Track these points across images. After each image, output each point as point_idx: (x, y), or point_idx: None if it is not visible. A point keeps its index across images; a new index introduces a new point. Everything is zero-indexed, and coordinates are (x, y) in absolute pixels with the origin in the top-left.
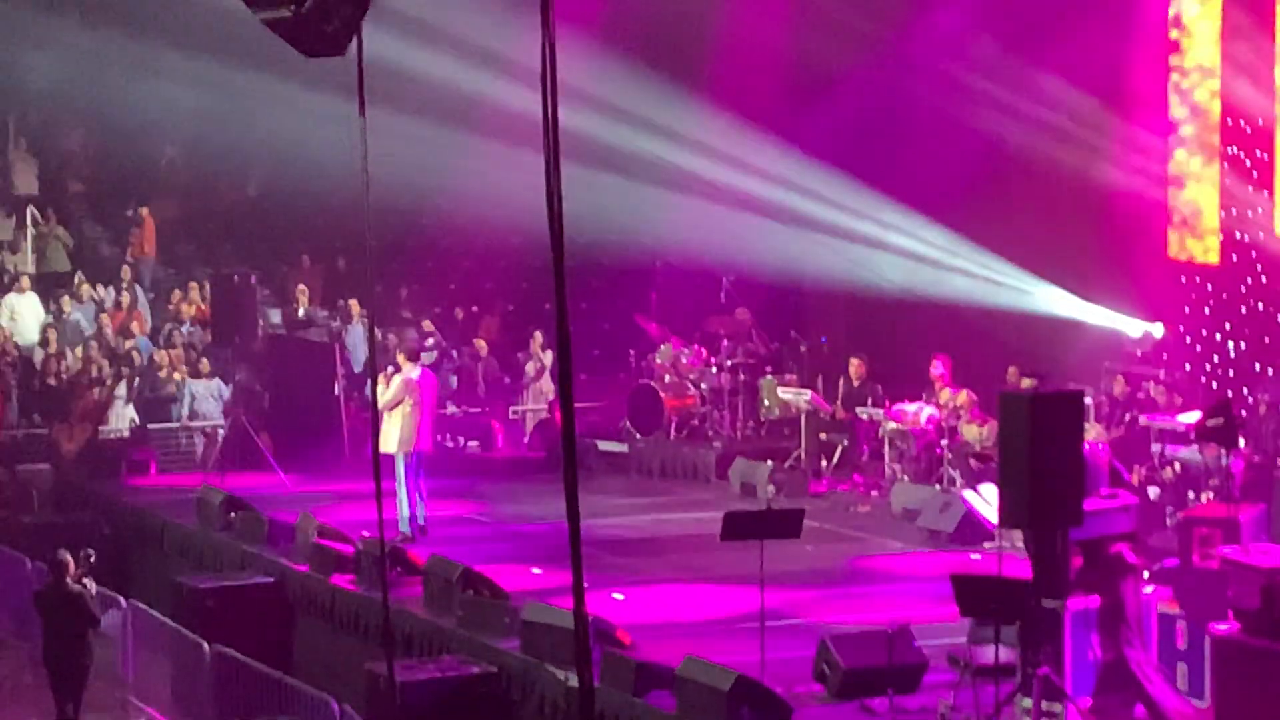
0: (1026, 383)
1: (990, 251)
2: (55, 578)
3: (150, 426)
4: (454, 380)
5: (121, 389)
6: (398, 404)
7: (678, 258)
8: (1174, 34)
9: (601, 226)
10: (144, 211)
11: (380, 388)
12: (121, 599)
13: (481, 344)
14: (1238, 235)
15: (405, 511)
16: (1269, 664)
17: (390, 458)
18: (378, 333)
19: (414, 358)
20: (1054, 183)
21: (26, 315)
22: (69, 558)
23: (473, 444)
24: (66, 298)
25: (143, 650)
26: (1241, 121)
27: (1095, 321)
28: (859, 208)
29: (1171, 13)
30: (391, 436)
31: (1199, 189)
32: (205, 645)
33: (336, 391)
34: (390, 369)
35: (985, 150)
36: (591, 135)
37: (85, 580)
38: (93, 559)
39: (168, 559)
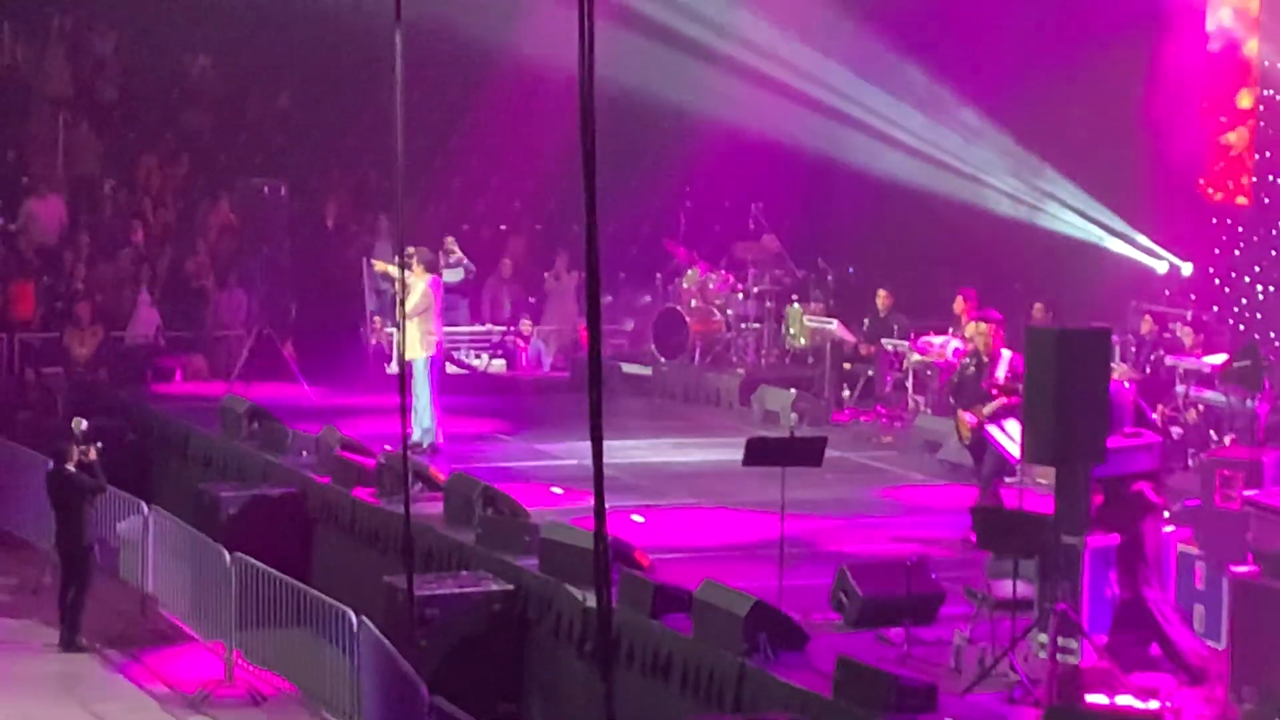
0: (1038, 308)
1: (1046, 163)
2: (57, 464)
3: (176, 334)
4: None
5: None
6: (425, 310)
7: (705, 184)
8: None
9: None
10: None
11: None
12: (144, 504)
13: (507, 263)
14: (1270, 178)
15: (428, 422)
16: None
17: (411, 369)
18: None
19: (433, 268)
20: (1102, 109)
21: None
22: (69, 445)
23: (496, 363)
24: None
25: (163, 556)
26: (1279, 65)
27: (1129, 252)
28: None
29: None
30: (415, 342)
31: (1234, 131)
32: (226, 553)
33: (369, 307)
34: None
35: (1044, 61)
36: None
37: (85, 447)
38: (99, 446)
39: (190, 467)
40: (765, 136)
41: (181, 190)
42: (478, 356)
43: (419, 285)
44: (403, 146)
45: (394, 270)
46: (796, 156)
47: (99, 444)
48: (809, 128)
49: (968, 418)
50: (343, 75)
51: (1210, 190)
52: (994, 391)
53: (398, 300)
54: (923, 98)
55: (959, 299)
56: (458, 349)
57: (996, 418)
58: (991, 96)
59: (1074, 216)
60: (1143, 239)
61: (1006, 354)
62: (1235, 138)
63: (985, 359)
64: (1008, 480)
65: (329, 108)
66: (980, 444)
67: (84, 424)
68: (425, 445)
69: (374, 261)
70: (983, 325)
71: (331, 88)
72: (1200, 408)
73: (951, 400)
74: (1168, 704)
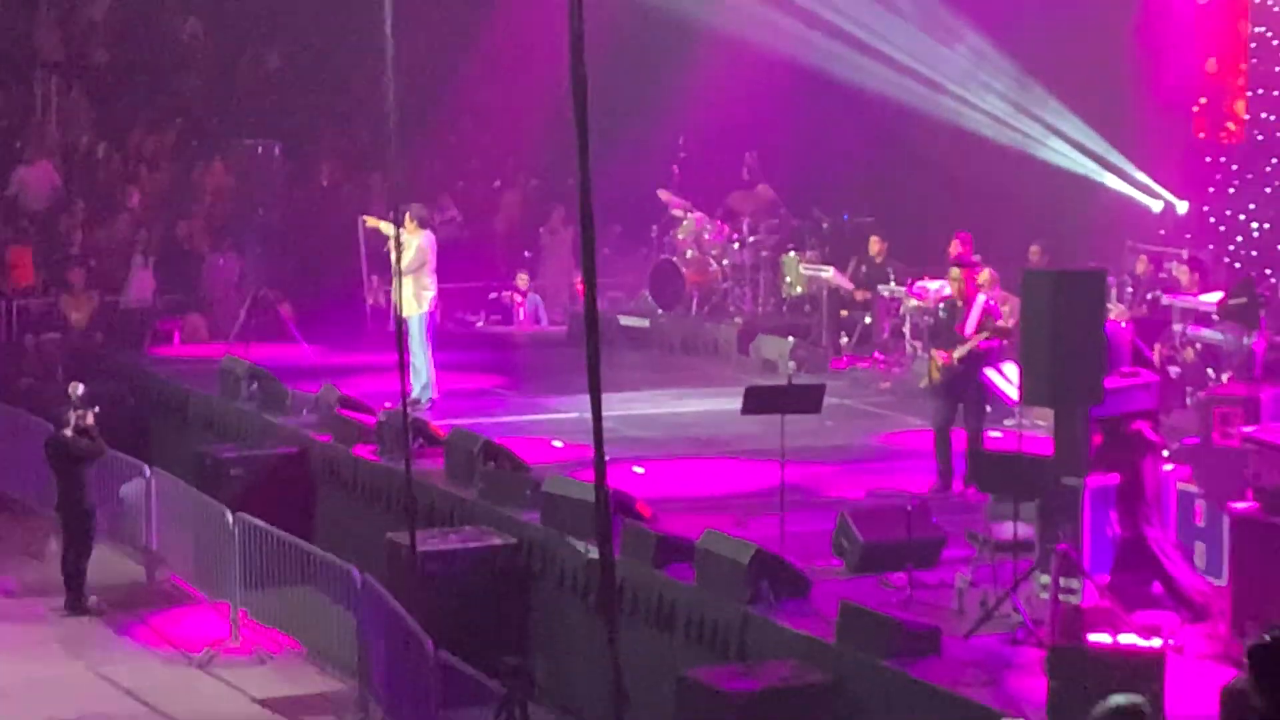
0: (1034, 250)
1: (1050, 94)
2: (55, 430)
3: (172, 297)
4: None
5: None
6: (420, 266)
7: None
8: None
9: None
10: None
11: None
12: (145, 467)
13: (502, 219)
14: (1263, 115)
15: (426, 378)
16: None
17: (407, 326)
18: None
19: (426, 224)
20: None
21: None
22: (66, 410)
23: (494, 318)
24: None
25: (166, 518)
26: (1270, 1)
27: (1124, 189)
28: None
29: None
30: (410, 299)
31: (1227, 68)
32: (228, 513)
33: (365, 265)
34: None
35: None
36: None
37: (82, 411)
38: (96, 410)
39: (191, 429)
40: (758, 82)
41: (175, 154)
42: (474, 315)
43: (413, 242)
44: (394, 104)
45: (385, 227)
46: (790, 102)
47: (96, 408)
48: (805, 58)
49: (942, 356)
50: (333, 34)
51: (1200, 135)
52: (968, 336)
53: (393, 258)
54: (924, 20)
55: (954, 243)
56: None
57: (972, 360)
58: (995, 21)
59: (1072, 150)
60: (1139, 175)
61: (980, 299)
62: (1227, 75)
63: (960, 304)
64: (1006, 423)
65: (320, 67)
66: (947, 385)
67: (80, 389)
68: (424, 401)
69: (365, 218)
70: (956, 271)
71: (322, 47)
72: (1197, 346)
73: (929, 345)
74: (1170, 641)
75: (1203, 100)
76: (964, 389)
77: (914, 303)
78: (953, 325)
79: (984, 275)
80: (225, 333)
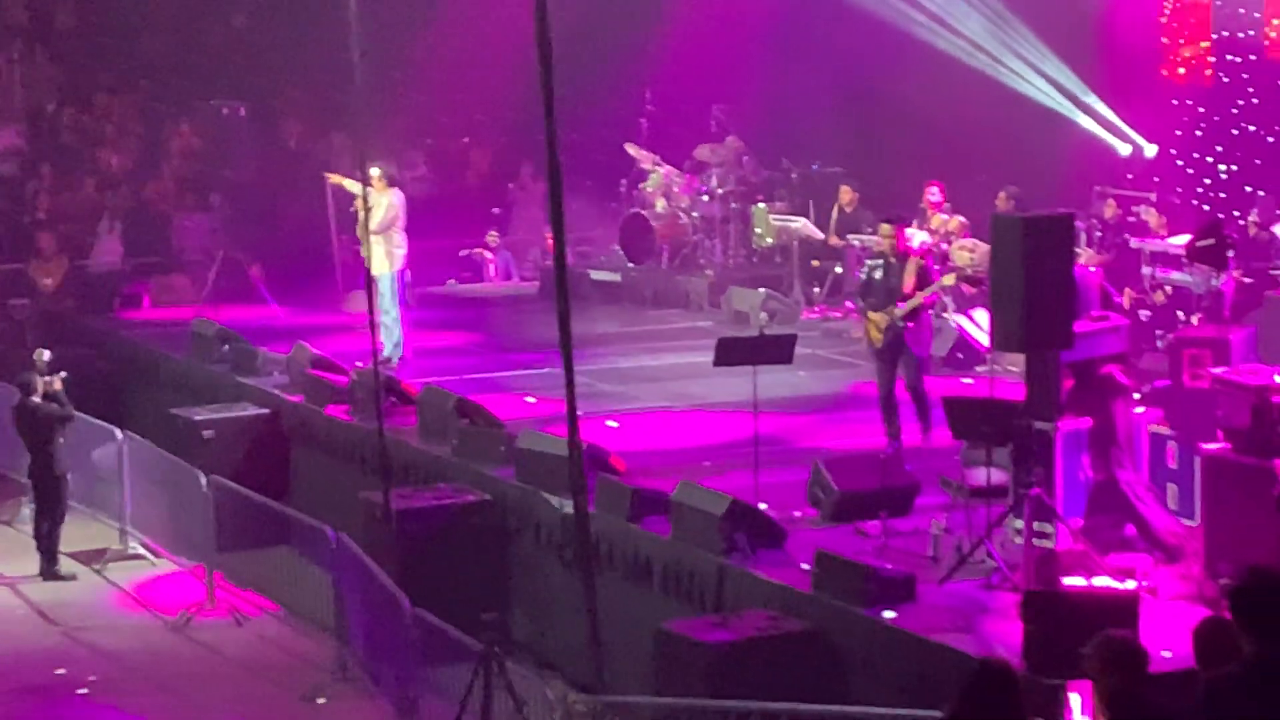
0: (1002, 197)
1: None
2: (23, 396)
3: (140, 260)
4: None
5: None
6: (390, 225)
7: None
8: None
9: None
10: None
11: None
12: (118, 431)
13: (472, 176)
14: (1229, 58)
15: (397, 336)
16: (1258, 482)
17: (377, 285)
18: None
19: (394, 182)
20: None
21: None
22: (33, 376)
23: (464, 275)
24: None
25: (140, 483)
26: None
27: (1094, 128)
28: None
29: None
30: (380, 257)
31: (1192, 10)
32: (202, 476)
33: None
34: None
35: None
36: None
37: (50, 378)
38: (64, 375)
39: (163, 392)
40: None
41: (141, 116)
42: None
43: (382, 200)
44: (360, 61)
45: (349, 184)
46: (757, 53)
47: (63, 373)
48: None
49: (898, 309)
50: None
51: (1165, 72)
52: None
53: (360, 217)
54: None
55: (928, 190)
56: None
57: (910, 318)
58: None
59: (1048, 86)
60: (1111, 115)
61: (918, 261)
62: (1194, 18)
63: (892, 260)
64: (978, 369)
65: (286, 27)
66: (893, 344)
67: (46, 354)
68: (395, 360)
69: (329, 175)
70: (887, 228)
71: (287, 6)
72: (1167, 289)
73: (860, 303)
74: (1144, 583)
75: (1164, 40)
76: (903, 348)
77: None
78: (887, 283)
79: (954, 222)
80: (195, 295)
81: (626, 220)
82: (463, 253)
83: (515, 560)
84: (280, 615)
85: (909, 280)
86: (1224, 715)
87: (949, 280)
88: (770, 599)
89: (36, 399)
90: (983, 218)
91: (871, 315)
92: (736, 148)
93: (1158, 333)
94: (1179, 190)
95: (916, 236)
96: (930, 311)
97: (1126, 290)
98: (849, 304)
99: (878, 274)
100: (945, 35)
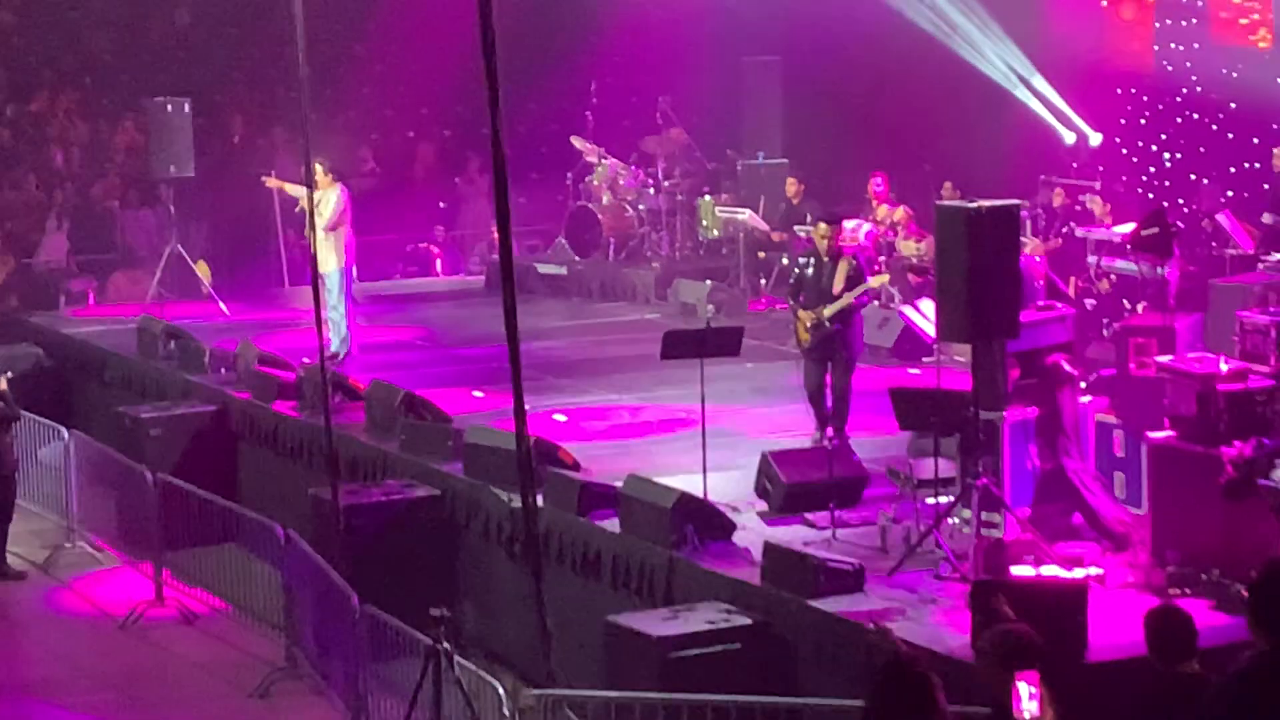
0: (947, 188)
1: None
2: None
3: (87, 257)
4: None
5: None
6: (338, 224)
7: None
8: None
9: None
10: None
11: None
12: (64, 430)
13: (418, 170)
14: (1173, 45)
15: (344, 331)
16: (1204, 469)
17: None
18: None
19: (340, 178)
20: None
21: None
22: None
23: (411, 270)
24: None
25: (86, 481)
26: None
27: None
28: None
29: None
30: (329, 255)
31: None
32: (149, 474)
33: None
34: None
35: None
36: None
37: None
38: (9, 375)
39: (109, 390)
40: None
41: (85, 113)
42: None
43: (329, 196)
44: (304, 57)
45: (290, 189)
46: (702, 45)
47: (8, 373)
48: None
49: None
50: None
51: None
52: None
53: (307, 214)
54: None
55: (875, 180)
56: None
57: (840, 319)
58: None
59: (994, 59)
60: (1055, 97)
61: (849, 262)
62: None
63: (826, 259)
64: (924, 360)
65: (229, 23)
66: (818, 345)
67: (9, 374)
68: (341, 355)
69: (267, 179)
70: (824, 227)
71: (231, 2)
72: (1112, 277)
73: (790, 301)
74: (1092, 572)
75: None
76: (833, 349)
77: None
78: (817, 283)
79: (899, 213)
80: (143, 292)
81: (573, 213)
82: (409, 247)
83: (464, 555)
84: (229, 613)
85: (839, 281)
86: (1237, 713)
87: (876, 282)
88: (720, 591)
89: None
90: (927, 207)
91: (800, 314)
92: (682, 140)
93: (1104, 321)
94: (1124, 179)
95: (862, 228)
96: (860, 313)
97: (1072, 279)
98: None
99: (809, 271)
100: (892, 19)
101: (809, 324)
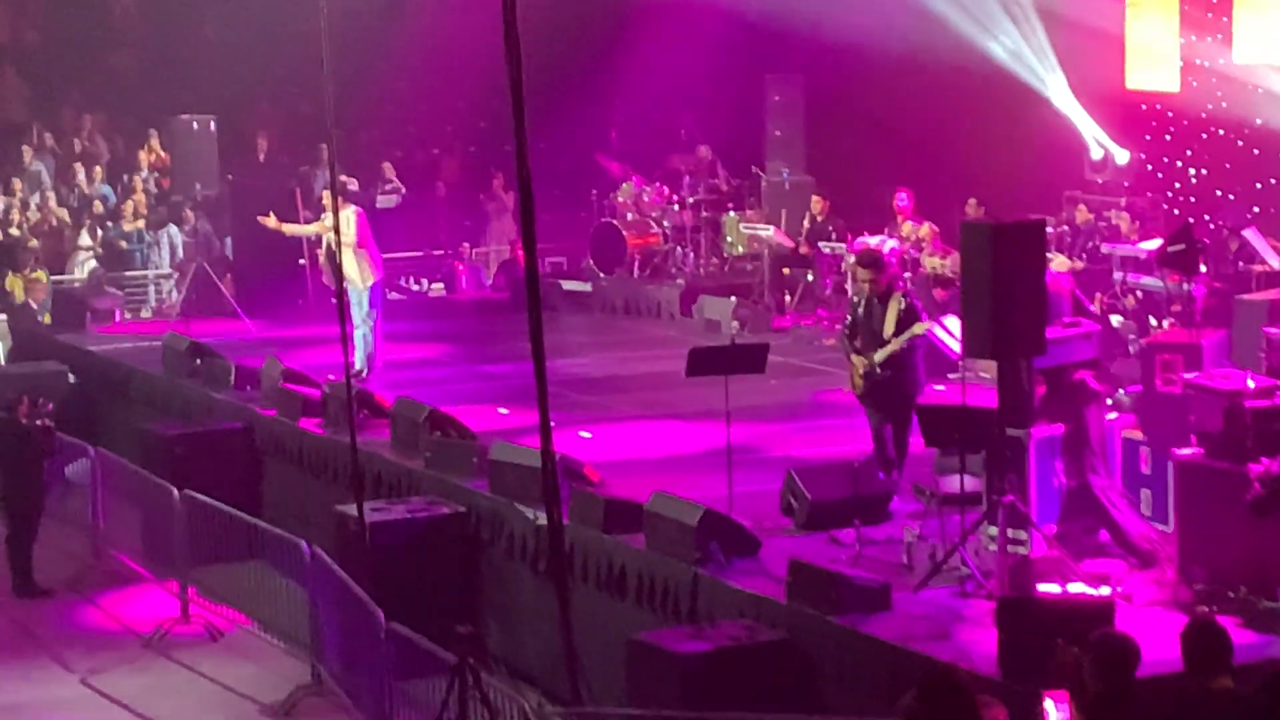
0: (972, 205)
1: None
2: (7, 414)
3: (114, 274)
4: None
5: (84, 238)
6: (357, 240)
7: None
8: None
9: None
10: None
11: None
12: (89, 447)
13: (443, 187)
14: (1197, 62)
15: (370, 348)
16: (1231, 486)
17: (349, 298)
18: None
19: (350, 200)
20: None
21: None
22: (23, 396)
23: (436, 286)
24: (26, 148)
25: (112, 498)
26: None
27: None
28: None
29: None
30: (354, 272)
31: (1158, 16)
32: (174, 491)
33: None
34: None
35: None
36: None
37: (42, 420)
38: (50, 408)
39: (135, 407)
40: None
41: (110, 131)
42: (417, 283)
43: (346, 216)
44: (330, 74)
45: (289, 229)
46: (726, 62)
47: (50, 405)
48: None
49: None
50: (266, 6)
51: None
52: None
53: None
54: None
55: (899, 195)
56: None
57: (893, 365)
58: None
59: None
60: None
61: (899, 301)
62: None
63: (875, 301)
64: (950, 376)
65: (254, 40)
66: (871, 391)
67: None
68: (366, 373)
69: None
70: (861, 271)
71: (256, 19)
72: (1138, 293)
73: (845, 345)
74: (1119, 589)
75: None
76: (887, 396)
77: (855, 258)
78: (870, 323)
79: (924, 229)
80: (167, 310)
81: (597, 230)
82: (434, 262)
83: (489, 572)
84: (254, 629)
85: (890, 324)
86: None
87: (921, 329)
88: (745, 609)
89: (22, 419)
90: (952, 224)
91: (854, 359)
92: (707, 157)
93: (1130, 337)
94: (1149, 194)
95: (887, 244)
96: (919, 351)
97: (1098, 295)
98: (821, 311)
99: (860, 313)
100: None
101: (861, 371)
